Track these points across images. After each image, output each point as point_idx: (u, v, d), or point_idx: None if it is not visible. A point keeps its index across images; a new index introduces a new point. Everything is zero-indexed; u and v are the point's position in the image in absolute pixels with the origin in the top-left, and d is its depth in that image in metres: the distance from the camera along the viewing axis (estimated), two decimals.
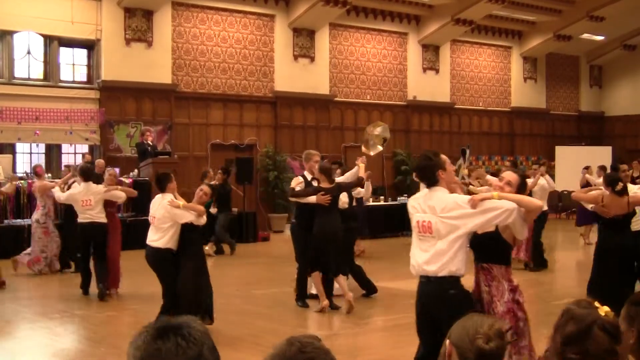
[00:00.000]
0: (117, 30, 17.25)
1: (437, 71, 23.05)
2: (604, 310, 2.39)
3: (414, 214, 4.66)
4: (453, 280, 4.51)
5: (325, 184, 8.51)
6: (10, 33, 16.31)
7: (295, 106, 20.01)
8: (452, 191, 4.71)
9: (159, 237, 7.74)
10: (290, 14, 19.69)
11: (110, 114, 17.11)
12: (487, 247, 4.64)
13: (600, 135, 27.53)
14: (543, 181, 11.92)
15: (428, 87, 22.69)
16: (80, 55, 17.42)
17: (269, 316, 8.65)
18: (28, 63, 16.77)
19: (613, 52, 27.14)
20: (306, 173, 8.94)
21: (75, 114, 16.65)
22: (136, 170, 15.68)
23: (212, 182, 13.76)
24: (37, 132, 16.27)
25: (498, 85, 24.96)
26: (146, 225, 14.62)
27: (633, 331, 2.66)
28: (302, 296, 9.02)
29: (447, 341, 2.30)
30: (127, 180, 14.94)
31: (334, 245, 8.47)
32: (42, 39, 16.76)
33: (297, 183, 8.72)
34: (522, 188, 4.71)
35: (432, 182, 4.58)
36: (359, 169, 9.21)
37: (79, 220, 9.84)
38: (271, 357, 1.79)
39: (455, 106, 23.54)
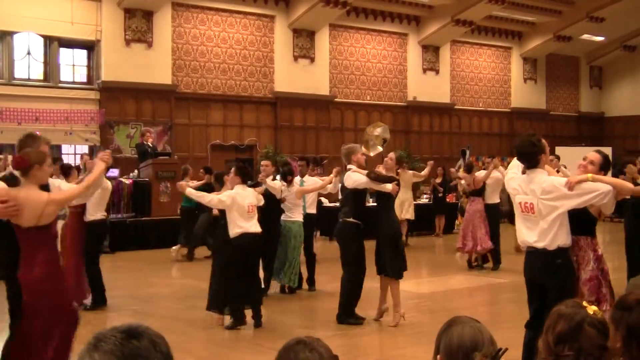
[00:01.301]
0: (117, 31, 17.25)
1: (437, 72, 23.06)
2: (591, 309, 2.46)
3: (515, 195, 5.09)
4: (560, 251, 4.93)
5: (395, 176, 8.06)
6: (11, 34, 16.32)
7: (295, 107, 20.02)
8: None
9: (255, 221, 7.87)
10: (290, 14, 19.69)
11: (110, 115, 17.12)
12: (575, 221, 5.00)
13: (601, 136, 27.54)
14: (497, 173, 11.91)
15: (428, 87, 22.69)
16: (80, 56, 17.42)
17: (268, 316, 8.64)
18: (28, 64, 16.77)
19: (613, 52, 27.16)
20: (354, 166, 8.00)
21: (75, 115, 16.66)
22: (136, 171, 15.68)
23: (192, 183, 12.85)
24: (37, 132, 16.24)
25: (498, 86, 24.97)
26: (146, 226, 14.67)
27: (619, 335, 2.68)
28: (353, 311, 8.03)
29: (438, 357, 2.30)
30: (127, 182, 14.94)
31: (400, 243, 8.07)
32: (42, 39, 16.77)
33: (363, 173, 7.86)
34: (604, 167, 5.16)
35: (533, 165, 5.00)
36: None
37: (101, 217, 8.81)
38: (284, 350, 1.92)
39: (455, 107, 23.55)
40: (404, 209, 15.08)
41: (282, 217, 9.54)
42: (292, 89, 19.77)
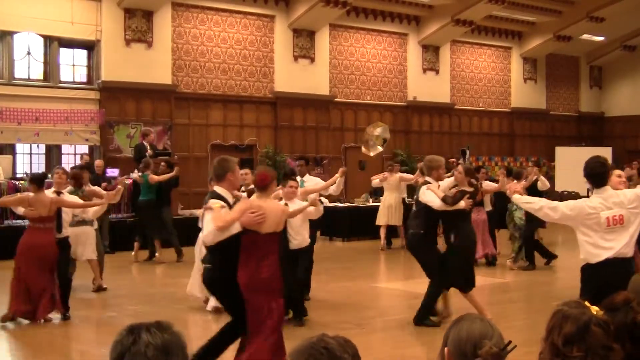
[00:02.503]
0: (117, 31, 17.25)
1: (437, 72, 23.06)
2: (594, 309, 2.48)
3: (598, 212, 5.31)
4: (631, 261, 5.30)
5: (466, 187, 7.85)
6: (10, 33, 16.31)
7: (295, 107, 20.02)
8: None
9: None
10: (290, 14, 19.69)
11: (110, 115, 17.11)
12: None
13: (601, 135, 27.54)
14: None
15: (428, 87, 22.69)
16: (80, 55, 17.42)
17: None
18: (28, 64, 16.77)
19: (613, 52, 27.15)
20: (431, 180, 7.84)
21: (75, 115, 16.65)
22: (136, 171, 15.64)
23: (154, 176, 13.19)
24: (37, 132, 16.27)
25: (498, 86, 24.97)
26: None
27: None
28: (430, 314, 7.99)
29: (446, 349, 2.30)
30: (127, 181, 14.92)
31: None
32: (42, 39, 16.76)
33: (439, 195, 7.63)
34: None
35: (604, 183, 5.39)
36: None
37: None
38: (302, 353, 1.89)
39: (455, 107, 23.54)
40: (390, 214, 14.83)
41: None
42: (292, 89, 19.77)
